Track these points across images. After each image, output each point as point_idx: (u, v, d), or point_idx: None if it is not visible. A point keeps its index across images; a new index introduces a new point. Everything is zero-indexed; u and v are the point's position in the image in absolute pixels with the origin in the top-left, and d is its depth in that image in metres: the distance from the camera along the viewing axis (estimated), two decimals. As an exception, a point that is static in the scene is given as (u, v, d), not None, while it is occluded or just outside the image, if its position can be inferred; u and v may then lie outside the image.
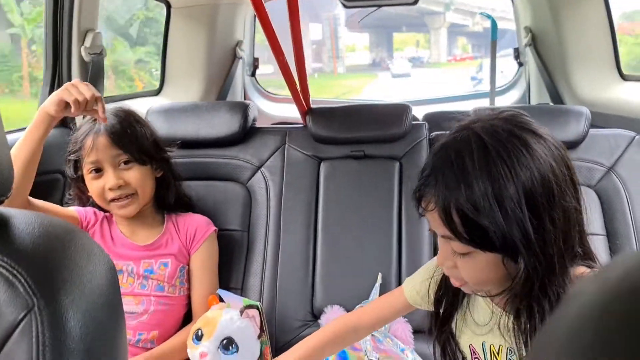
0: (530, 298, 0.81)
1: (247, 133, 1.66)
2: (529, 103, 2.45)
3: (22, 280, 0.53)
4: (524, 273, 0.79)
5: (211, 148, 1.64)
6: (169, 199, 1.46)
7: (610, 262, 0.23)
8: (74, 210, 1.39)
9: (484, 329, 0.94)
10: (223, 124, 1.64)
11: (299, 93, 1.61)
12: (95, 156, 1.33)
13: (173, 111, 1.68)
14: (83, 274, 0.59)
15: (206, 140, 1.63)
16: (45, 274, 0.55)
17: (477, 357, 0.96)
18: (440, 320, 1.00)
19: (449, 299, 0.99)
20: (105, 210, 1.42)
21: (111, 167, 1.33)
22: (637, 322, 0.19)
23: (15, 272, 0.54)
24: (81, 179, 1.37)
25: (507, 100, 2.64)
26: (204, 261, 1.42)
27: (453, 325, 0.99)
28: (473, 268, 0.82)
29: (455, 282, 0.89)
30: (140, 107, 1.88)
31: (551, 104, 2.24)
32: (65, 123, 1.77)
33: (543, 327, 0.24)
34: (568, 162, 0.83)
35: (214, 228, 1.46)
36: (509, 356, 0.91)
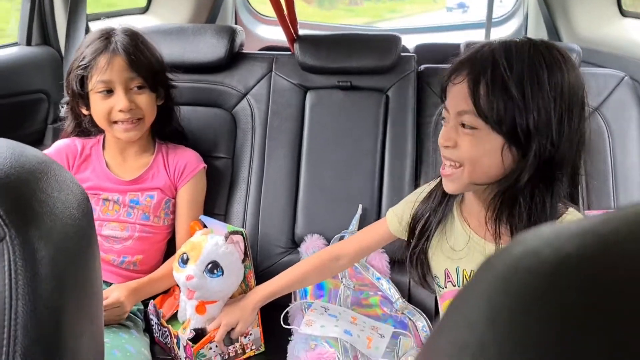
0: (514, 198, 0.89)
1: (233, 59, 1.63)
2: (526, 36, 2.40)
3: (-6, 211, 0.55)
4: (521, 165, 0.87)
5: (196, 73, 1.61)
6: (167, 128, 1.46)
7: (515, 239, 0.24)
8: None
9: (459, 254, 1.00)
10: (209, 49, 1.61)
11: (287, 20, 1.57)
12: (109, 76, 1.30)
13: (158, 33, 1.64)
14: (55, 205, 0.60)
15: (191, 64, 1.60)
16: (17, 206, 0.56)
17: (450, 281, 1.03)
18: (414, 242, 1.05)
19: (426, 222, 1.04)
20: (99, 131, 1.41)
21: (123, 89, 1.31)
22: (528, 298, 0.21)
23: (-14, 202, 0.55)
24: (86, 96, 1.34)
25: (503, 32, 2.58)
26: (190, 196, 1.43)
27: (429, 251, 1.05)
28: (476, 145, 0.88)
29: (446, 171, 0.93)
30: (127, 25, 1.83)
31: (547, 38, 2.19)
32: (48, 41, 1.73)
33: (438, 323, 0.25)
34: (586, 99, 0.91)
35: (204, 165, 1.47)
36: None
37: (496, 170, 0.89)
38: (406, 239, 1.08)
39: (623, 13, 2.03)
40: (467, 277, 1.00)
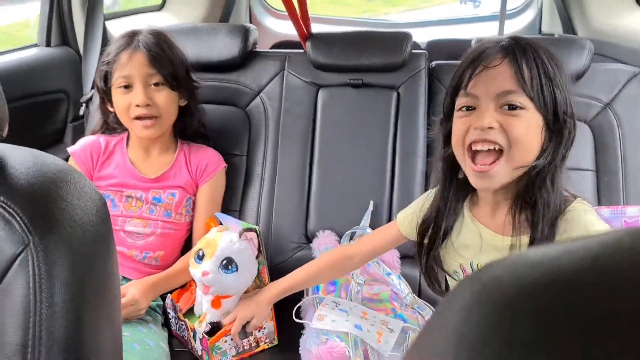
0: (539, 186, 0.90)
1: (246, 57, 1.65)
2: (540, 29, 2.38)
3: (18, 219, 0.58)
4: (554, 145, 0.90)
5: (210, 72, 1.64)
6: (189, 129, 1.49)
7: (486, 265, 0.26)
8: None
9: (472, 250, 1.01)
10: (223, 48, 1.64)
11: (299, 19, 1.59)
12: (129, 71, 1.34)
13: (173, 33, 1.66)
14: (75, 211, 0.63)
15: (205, 63, 1.62)
16: (39, 213, 0.60)
17: (468, 275, 1.03)
18: (425, 248, 1.06)
19: (435, 230, 1.04)
20: (124, 129, 1.45)
21: (141, 85, 1.34)
22: (486, 330, 0.22)
23: (12, 211, 0.59)
24: (109, 92, 1.39)
25: (517, 25, 2.56)
26: (209, 194, 1.47)
27: (442, 251, 1.06)
28: (520, 125, 0.88)
29: (485, 162, 0.89)
30: (143, 23, 1.86)
31: (560, 32, 2.18)
32: (67, 42, 1.77)
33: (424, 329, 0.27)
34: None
35: (224, 164, 1.50)
36: None
37: (535, 152, 0.90)
38: (417, 242, 1.09)
39: None
40: None
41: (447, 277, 1.09)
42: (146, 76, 1.35)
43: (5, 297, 0.57)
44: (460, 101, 0.93)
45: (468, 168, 0.93)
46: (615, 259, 0.22)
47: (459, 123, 0.93)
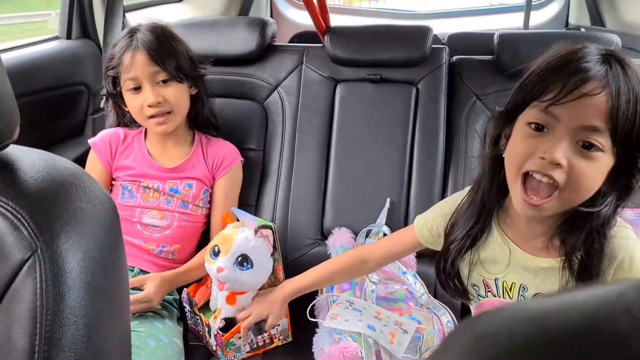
0: (596, 236, 0.83)
1: (264, 51, 1.64)
2: (567, 22, 2.31)
3: (26, 224, 0.58)
4: (617, 194, 0.82)
5: (228, 66, 1.64)
6: (202, 117, 1.49)
7: (483, 315, 0.25)
8: (98, 165, 1.43)
9: (499, 266, 0.96)
10: (241, 41, 1.63)
11: (318, 12, 1.57)
12: (134, 73, 1.35)
13: (192, 26, 1.67)
14: (84, 217, 0.63)
15: (224, 57, 1.62)
16: (47, 219, 0.60)
17: (490, 291, 0.99)
18: (449, 255, 0.99)
19: (462, 237, 0.98)
20: (140, 125, 1.47)
21: (149, 84, 1.35)
22: None
23: (19, 216, 0.59)
24: (120, 95, 1.41)
25: (541, 17, 2.49)
26: (227, 188, 1.47)
27: (467, 261, 0.99)
28: (590, 169, 0.78)
29: (542, 192, 0.81)
30: (162, 14, 1.86)
31: (588, 25, 2.11)
32: (87, 34, 1.78)
33: None
34: None
35: (241, 158, 1.51)
36: (521, 292, 0.94)
37: (591, 194, 0.80)
38: (441, 250, 1.03)
39: (671, -4, 1.94)
40: (508, 289, 0.96)
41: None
42: (152, 75, 1.35)
43: (13, 303, 0.57)
44: (534, 115, 0.81)
45: (517, 194, 0.84)
46: (614, 322, 0.21)
47: (522, 144, 0.83)
